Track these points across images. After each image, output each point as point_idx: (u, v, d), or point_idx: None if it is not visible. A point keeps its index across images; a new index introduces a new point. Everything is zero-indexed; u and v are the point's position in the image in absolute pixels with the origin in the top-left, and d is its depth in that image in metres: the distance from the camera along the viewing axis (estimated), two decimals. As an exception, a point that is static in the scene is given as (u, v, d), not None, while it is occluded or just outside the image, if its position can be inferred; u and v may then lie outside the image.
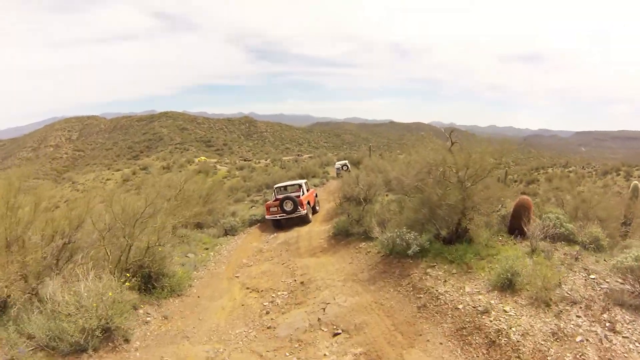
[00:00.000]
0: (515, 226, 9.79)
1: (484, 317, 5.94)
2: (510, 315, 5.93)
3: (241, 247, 14.40)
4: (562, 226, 9.77)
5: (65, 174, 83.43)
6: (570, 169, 55.01)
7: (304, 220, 15.48)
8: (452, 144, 9.27)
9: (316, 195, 18.46)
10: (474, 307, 6.24)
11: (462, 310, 6.25)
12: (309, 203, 16.11)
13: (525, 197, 10.23)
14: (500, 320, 5.81)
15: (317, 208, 17.72)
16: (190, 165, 63.06)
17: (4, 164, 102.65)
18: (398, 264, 8.57)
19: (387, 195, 16.83)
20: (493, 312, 6.01)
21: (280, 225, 15.51)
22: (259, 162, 65.96)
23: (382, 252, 9.56)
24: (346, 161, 36.34)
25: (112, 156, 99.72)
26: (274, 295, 8.80)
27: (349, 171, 33.44)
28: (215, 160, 75.56)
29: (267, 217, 15.40)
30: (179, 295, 8.64)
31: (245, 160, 69.72)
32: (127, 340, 6.16)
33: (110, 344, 5.94)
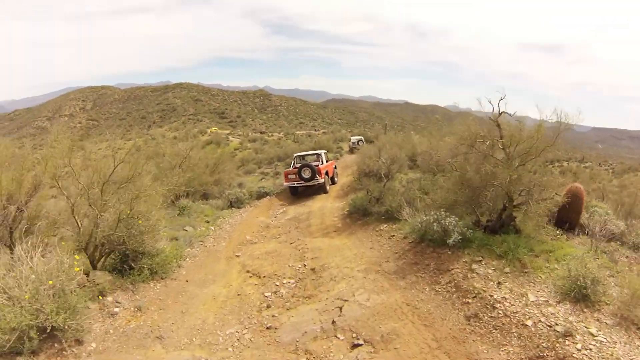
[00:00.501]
0: (565, 218, 7.96)
1: (566, 342, 4.19)
2: (601, 341, 4.18)
3: (246, 222, 12.82)
4: (612, 223, 7.95)
5: (78, 143, 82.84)
6: (587, 164, 51.91)
7: (321, 189, 15.07)
8: (500, 113, 7.33)
9: (335, 167, 17.87)
10: (549, 326, 4.48)
11: (533, 329, 4.50)
12: (327, 173, 15.67)
13: (577, 185, 8.30)
14: (590, 349, 4.06)
15: (336, 180, 17.22)
16: (203, 136, 61.70)
17: (19, 133, 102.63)
18: (432, 254, 6.82)
19: (406, 173, 15.04)
20: (577, 336, 4.26)
21: (296, 193, 15.27)
22: (272, 136, 64.32)
23: (411, 238, 7.81)
24: (361, 137, 34.77)
25: (126, 126, 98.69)
26: (278, 283, 7.18)
27: (361, 144, 31.69)
28: (227, 131, 74.01)
29: (285, 183, 15.27)
30: (162, 279, 7.06)
31: (261, 133, 67.99)
32: (79, 342, 4.60)
33: (55, 345, 4.40)
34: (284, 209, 14.93)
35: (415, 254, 7.10)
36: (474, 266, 6.09)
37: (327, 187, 15.39)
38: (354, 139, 33.94)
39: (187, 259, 8.46)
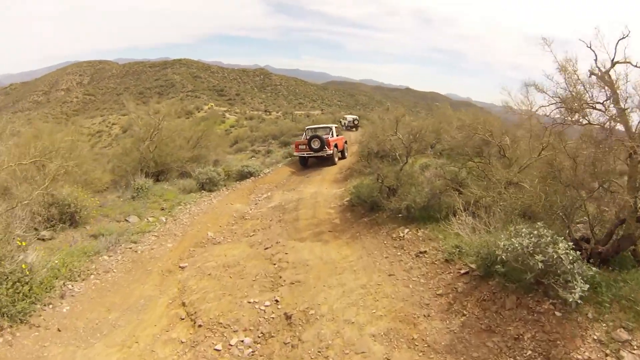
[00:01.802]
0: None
1: None
2: None
3: (215, 210, 9.45)
4: None
5: (73, 117, 78.86)
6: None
7: (329, 160, 15.14)
8: (614, 64, 3.81)
9: (346, 142, 17.54)
10: None
11: None
12: (336, 146, 15.79)
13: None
14: None
15: (346, 154, 16.97)
16: (199, 112, 58.05)
17: (15, 107, 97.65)
18: (521, 310, 3.42)
19: (416, 159, 11.57)
20: None
21: (305, 164, 15.32)
22: (270, 114, 60.83)
23: (464, 266, 4.42)
24: (357, 116, 32.58)
25: (123, 101, 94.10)
26: (222, 344, 3.81)
27: (359, 127, 28.84)
28: (225, 109, 70.06)
29: (295, 153, 15.54)
30: (21, 322, 3.70)
31: (265, 111, 64.15)
32: None
33: None
34: (269, 193, 11.65)
35: (481, 304, 3.67)
36: (621, 352, 2.74)
37: (336, 160, 15.40)
38: (349, 117, 31.78)
39: (93, 276, 5.09)
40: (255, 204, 10.56)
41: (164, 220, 8.00)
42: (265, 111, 65.87)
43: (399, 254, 5.67)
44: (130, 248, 6.21)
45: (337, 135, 16.43)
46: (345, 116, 33.96)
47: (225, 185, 12.07)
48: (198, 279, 5.33)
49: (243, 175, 13.56)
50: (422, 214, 6.98)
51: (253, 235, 7.77)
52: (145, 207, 8.76)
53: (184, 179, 12.04)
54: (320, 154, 14.69)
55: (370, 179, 9.26)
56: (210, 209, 9.45)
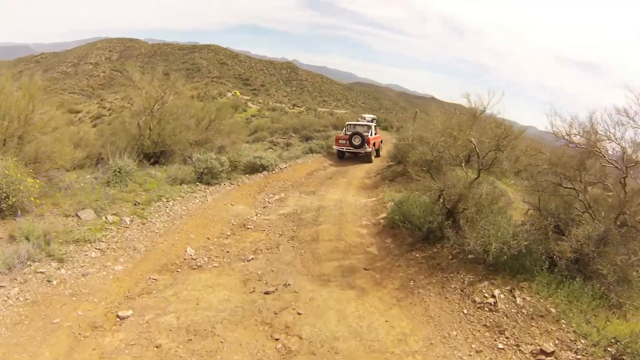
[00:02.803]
0: None
1: None
2: None
3: (207, 213, 6.94)
4: None
5: (98, 91, 78.03)
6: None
7: (367, 158, 14.95)
8: None
9: (381, 141, 17.53)
10: None
11: None
12: (374, 144, 15.73)
13: None
14: None
15: (380, 153, 16.84)
16: (222, 98, 56.19)
17: (44, 76, 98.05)
18: None
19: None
20: None
21: (342, 157, 15.25)
22: (293, 108, 58.59)
23: None
24: (374, 116, 30.37)
25: (148, 80, 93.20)
26: None
27: (377, 127, 26.06)
28: (248, 97, 68.07)
29: (335, 147, 15.49)
30: None
31: (294, 106, 61.76)
32: None
33: None
34: (282, 194, 9.24)
35: None
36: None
37: (372, 158, 15.28)
38: (368, 116, 29.22)
39: None
40: (264, 208, 8.08)
41: (127, 223, 5.52)
42: (295, 105, 63.49)
43: (500, 346, 3.05)
44: (43, 273, 3.72)
45: (375, 134, 16.27)
46: (364, 115, 31.78)
47: (229, 179, 9.58)
48: (135, 356, 2.82)
49: (254, 168, 11.08)
50: (512, 262, 4.36)
51: (252, 259, 5.26)
52: (112, 199, 6.33)
53: (187, 166, 9.63)
54: (359, 150, 14.62)
55: (418, 193, 6.62)
56: (201, 211, 6.95)
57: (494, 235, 4.41)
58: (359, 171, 12.07)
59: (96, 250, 4.45)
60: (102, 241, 4.73)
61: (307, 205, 8.05)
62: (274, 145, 20.64)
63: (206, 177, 8.86)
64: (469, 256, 4.76)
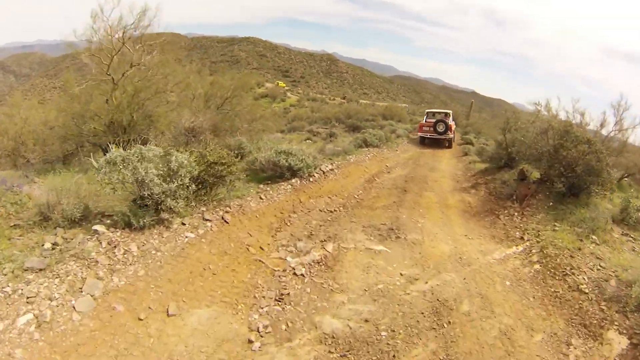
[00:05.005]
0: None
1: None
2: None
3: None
4: None
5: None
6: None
7: (445, 143, 15.35)
8: None
9: (454, 129, 17.17)
10: None
11: None
12: (453, 131, 16.20)
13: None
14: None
15: (453, 142, 16.69)
16: (260, 88, 53.83)
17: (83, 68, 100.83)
18: None
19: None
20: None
21: (424, 143, 15.57)
22: (334, 100, 55.28)
23: None
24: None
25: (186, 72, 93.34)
26: None
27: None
28: (287, 88, 65.45)
29: (419, 134, 16.01)
30: None
31: (343, 98, 58.37)
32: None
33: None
34: (328, 242, 5.42)
35: None
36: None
37: (452, 144, 15.77)
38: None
39: None
40: (275, 319, 4.66)
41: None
42: (344, 97, 59.95)
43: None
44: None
45: (452, 121, 16.59)
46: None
47: (205, 206, 5.38)
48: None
49: (275, 172, 7.21)
50: None
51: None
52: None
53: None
54: (442, 136, 15.12)
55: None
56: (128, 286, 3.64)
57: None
58: (440, 176, 8.51)
59: None
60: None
61: (398, 295, 4.05)
62: (314, 135, 17.31)
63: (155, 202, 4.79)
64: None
